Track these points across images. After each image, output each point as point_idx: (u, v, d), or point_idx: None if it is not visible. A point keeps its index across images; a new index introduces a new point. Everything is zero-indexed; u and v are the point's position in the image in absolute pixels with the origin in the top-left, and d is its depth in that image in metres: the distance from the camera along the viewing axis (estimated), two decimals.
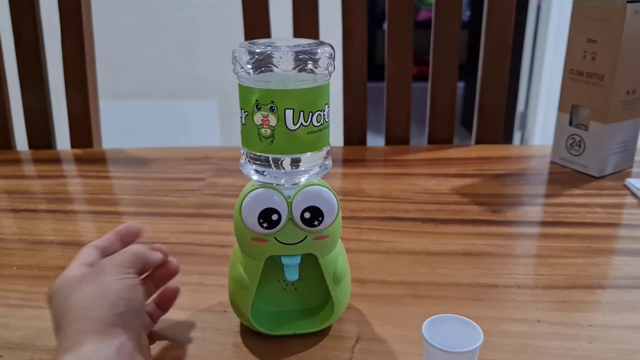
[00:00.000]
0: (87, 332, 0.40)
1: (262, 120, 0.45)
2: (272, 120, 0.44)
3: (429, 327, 0.44)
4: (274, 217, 0.46)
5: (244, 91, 0.45)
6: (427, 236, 0.70)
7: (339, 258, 0.51)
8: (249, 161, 0.47)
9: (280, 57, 0.43)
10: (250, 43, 0.46)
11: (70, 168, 0.99)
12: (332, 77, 0.47)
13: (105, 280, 0.43)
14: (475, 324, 0.44)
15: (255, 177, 0.47)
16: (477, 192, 0.83)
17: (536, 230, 0.73)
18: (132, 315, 0.43)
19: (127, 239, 0.52)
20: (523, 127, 2.47)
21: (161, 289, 0.53)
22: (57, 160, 1.02)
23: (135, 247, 0.49)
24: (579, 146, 0.89)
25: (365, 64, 1.03)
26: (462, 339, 0.44)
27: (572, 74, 0.88)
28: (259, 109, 0.44)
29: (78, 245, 0.70)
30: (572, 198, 0.81)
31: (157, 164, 0.98)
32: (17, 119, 1.07)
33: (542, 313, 0.55)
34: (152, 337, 0.52)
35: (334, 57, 0.46)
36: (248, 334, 0.53)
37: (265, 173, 0.47)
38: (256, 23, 1.01)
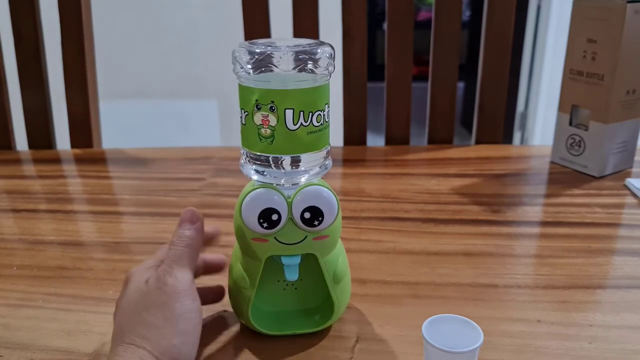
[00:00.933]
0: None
1: (262, 120, 0.45)
2: (272, 120, 0.44)
3: (429, 327, 0.44)
4: (274, 217, 0.46)
5: (244, 91, 0.45)
6: (427, 236, 0.70)
7: (339, 258, 0.51)
8: (249, 161, 0.47)
9: (280, 57, 0.43)
10: (250, 43, 0.46)
11: (70, 168, 0.99)
12: (332, 77, 0.47)
13: (177, 309, 0.43)
14: (475, 324, 0.44)
15: (255, 177, 0.47)
16: (477, 192, 0.83)
17: (536, 230, 0.73)
18: (192, 350, 0.44)
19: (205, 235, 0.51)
20: (523, 127, 2.47)
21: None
22: (57, 160, 1.02)
23: (191, 251, 0.47)
24: (579, 146, 0.89)
25: (365, 64, 1.03)
26: (462, 339, 0.44)
27: (572, 74, 0.88)
28: (259, 109, 0.44)
29: (78, 245, 0.70)
30: (572, 198, 0.81)
31: (157, 164, 0.98)
32: (17, 119, 1.07)
33: (542, 313, 0.55)
34: None
35: (334, 57, 0.46)
36: (248, 334, 0.53)
37: (265, 173, 0.47)
38: (256, 23, 1.01)
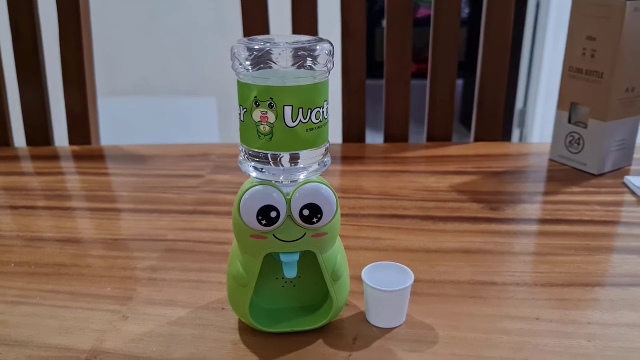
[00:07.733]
0: None
1: (261, 117, 0.44)
2: (271, 117, 0.44)
3: (369, 272, 0.53)
4: (273, 214, 0.46)
5: (242, 88, 0.45)
6: (426, 234, 0.70)
7: (337, 255, 0.51)
8: (247, 158, 0.47)
9: (280, 54, 0.43)
10: (249, 40, 0.45)
11: (68, 165, 0.98)
12: (331, 74, 0.47)
13: None
14: (409, 269, 0.52)
15: (254, 174, 0.47)
16: (476, 190, 0.83)
17: (535, 228, 0.73)
18: None
19: None
20: (522, 125, 2.47)
21: None
22: (55, 157, 1.02)
23: None
24: (578, 144, 0.89)
25: (364, 61, 1.03)
26: (396, 282, 0.52)
27: (571, 71, 0.88)
28: (257, 106, 0.44)
29: (76, 242, 0.70)
30: (571, 196, 0.81)
31: (156, 161, 0.98)
32: (16, 115, 1.07)
33: (540, 311, 0.55)
34: (151, 334, 0.52)
35: (333, 54, 0.46)
36: (246, 331, 0.52)
37: (264, 170, 0.47)
38: (255, 20, 1.01)
